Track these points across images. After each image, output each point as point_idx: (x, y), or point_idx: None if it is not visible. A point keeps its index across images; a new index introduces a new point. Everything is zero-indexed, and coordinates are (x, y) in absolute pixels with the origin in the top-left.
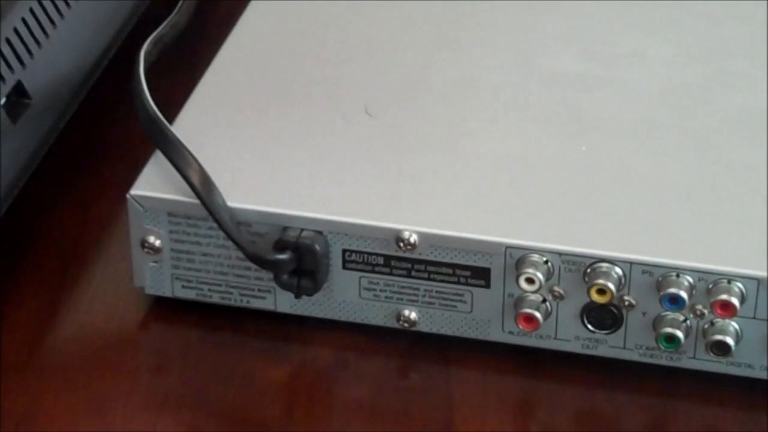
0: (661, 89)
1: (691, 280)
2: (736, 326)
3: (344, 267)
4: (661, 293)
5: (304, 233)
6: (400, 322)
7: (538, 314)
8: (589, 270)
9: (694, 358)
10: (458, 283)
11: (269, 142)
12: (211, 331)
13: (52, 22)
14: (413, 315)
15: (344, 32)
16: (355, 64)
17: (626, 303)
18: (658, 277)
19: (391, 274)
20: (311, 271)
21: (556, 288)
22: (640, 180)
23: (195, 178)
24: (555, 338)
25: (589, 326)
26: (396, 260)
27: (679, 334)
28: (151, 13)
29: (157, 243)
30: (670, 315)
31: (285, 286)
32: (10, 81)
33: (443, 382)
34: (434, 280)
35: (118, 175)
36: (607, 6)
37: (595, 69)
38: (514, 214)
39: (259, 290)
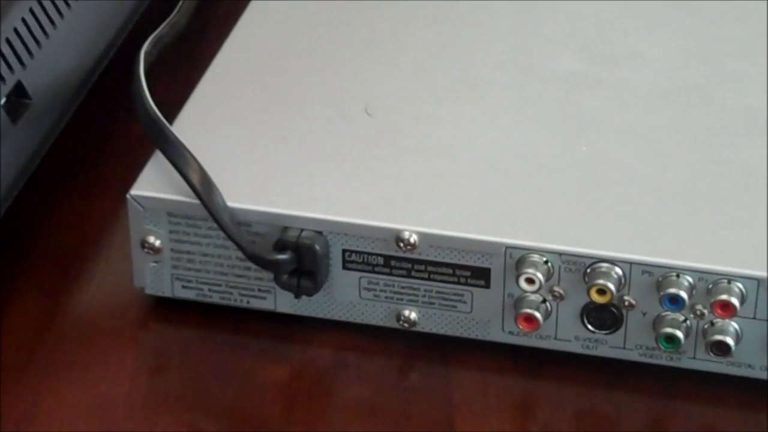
0: (661, 89)
1: (691, 280)
2: (736, 326)
3: (344, 267)
4: (661, 293)
5: (304, 233)
6: (400, 322)
7: (538, 314)
8: (589, 270)
9: (694, 358)
10: (458, 283)
11: (269, 142)
12: (211, 331)
13: (52, 22)
14: (413, 315)
15: (344, 32)
16: (355, 64)
17: (626, 303)
18: (658, 277)
19: (391, 274)
20: (311, 271)
21: (556, 288)
22: (640, 180)
23: (195, 178)
24: (555, 338)
25: (589, 326)
26: (396, 260)
27: (679, 334)
28: (151, 13)
29: (157, 243)
30: (670, 315)
31: (285, 286)
32: (10, 81)
33: (443, 382)
34: (434, 280)
35: (118, 175)
36: (607, 6)
37: (595, 69)
38: (514, 214)
39: (259, 290)
